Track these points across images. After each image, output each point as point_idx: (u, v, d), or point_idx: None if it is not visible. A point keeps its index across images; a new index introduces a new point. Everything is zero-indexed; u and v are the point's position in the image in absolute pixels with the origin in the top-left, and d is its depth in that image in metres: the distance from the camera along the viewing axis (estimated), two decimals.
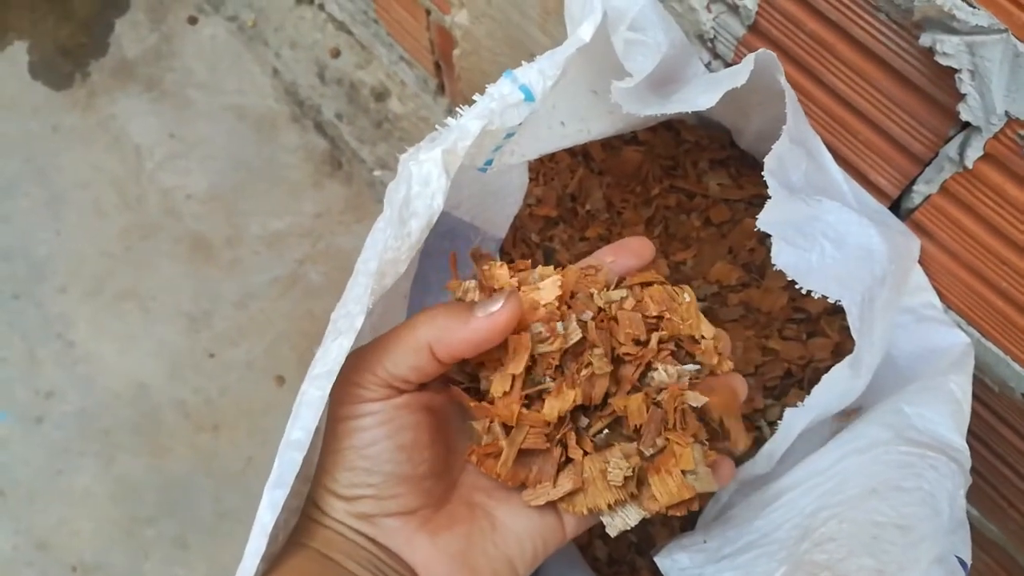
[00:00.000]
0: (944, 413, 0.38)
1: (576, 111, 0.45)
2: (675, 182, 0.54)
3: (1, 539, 0.97)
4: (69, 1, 1.28)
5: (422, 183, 0.34)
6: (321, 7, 1.17)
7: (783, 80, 0.41)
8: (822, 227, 0.39)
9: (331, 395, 0.32)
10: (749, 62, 0.39)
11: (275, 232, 1.10)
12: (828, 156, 0.47)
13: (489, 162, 0.43)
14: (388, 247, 0.34)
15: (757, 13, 0.50)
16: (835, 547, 0.34)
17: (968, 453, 0.39)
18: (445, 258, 0.53)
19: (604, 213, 0.55)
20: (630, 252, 0.39)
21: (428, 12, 0.89)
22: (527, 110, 0.37)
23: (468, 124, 0.35)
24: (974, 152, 0.42)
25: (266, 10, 1.22)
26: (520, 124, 0.39)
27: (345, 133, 1.11)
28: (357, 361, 0.33)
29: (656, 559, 0.35)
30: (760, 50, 0.42)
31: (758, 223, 0.36)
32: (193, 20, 1.25)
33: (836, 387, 0.36)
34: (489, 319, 0.32)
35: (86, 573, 0.96)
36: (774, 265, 0.36)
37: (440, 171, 0.34)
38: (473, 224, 0.53)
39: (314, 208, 1.11)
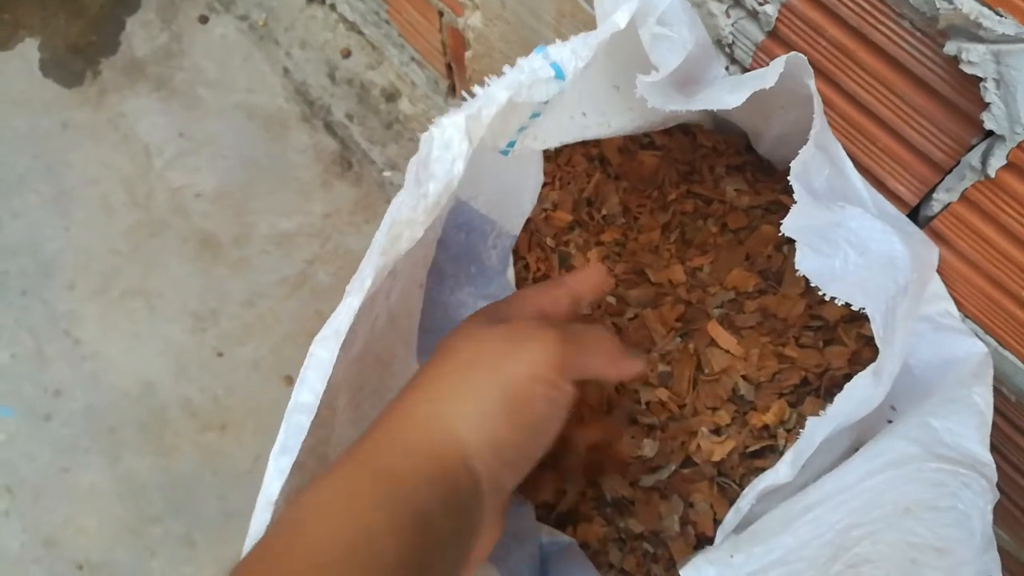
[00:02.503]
0: (971, 426, 0.38)
1: (598, 104, 0.45)
2: (692, 187, 0.54)
3: (8, 536, 0.97)
4: None
5: (442, 147, 0.33)
6: (332, 7, 1.17)
7: (812, 85, 0.41)
8: (845, 233, 0.38)
9: (526, 359, 0.35)
10: (779, 64, 0.39)
11: (284, 232, 1.10)
12: (849, 163, 0.47)
13: (511, 144, 0.43)
14: (403, 206, 0.34)
15: (777, 19, 0.49)
16: (871, 569, 0.34)
17: (994, 467, 0.39)
18: (461, 249, 0.53)
19: (620, 218, 0.54)
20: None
21: (441, 14, 0.89)
22: (556, 88, 0.37)
23: (495, 92, 0.34)
24: (997, 161, 0.42)
25: (277, 9, 1.22)
26: (546, 103, 0.39)
27: (355, 134, 1.11)
28: (558, 337, 0.36)
29: (682, 572, 0.35)
30: (792, 53, 0.41)
31: (783, 228, 0.36)
32: (204, 19, 1.25)
33: (858, 396, 0.36)
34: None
35: (92, 571, 0.96)
36: (797, 271, 0.36)
37: (462, 136, 0.34)
38: (489, 217, 0.53)
39: (323, 208, 1.11)
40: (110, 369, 1.05)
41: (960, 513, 0.35)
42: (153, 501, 0.98)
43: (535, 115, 0.40)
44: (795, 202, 0.38)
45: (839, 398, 0.36)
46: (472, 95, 0.35)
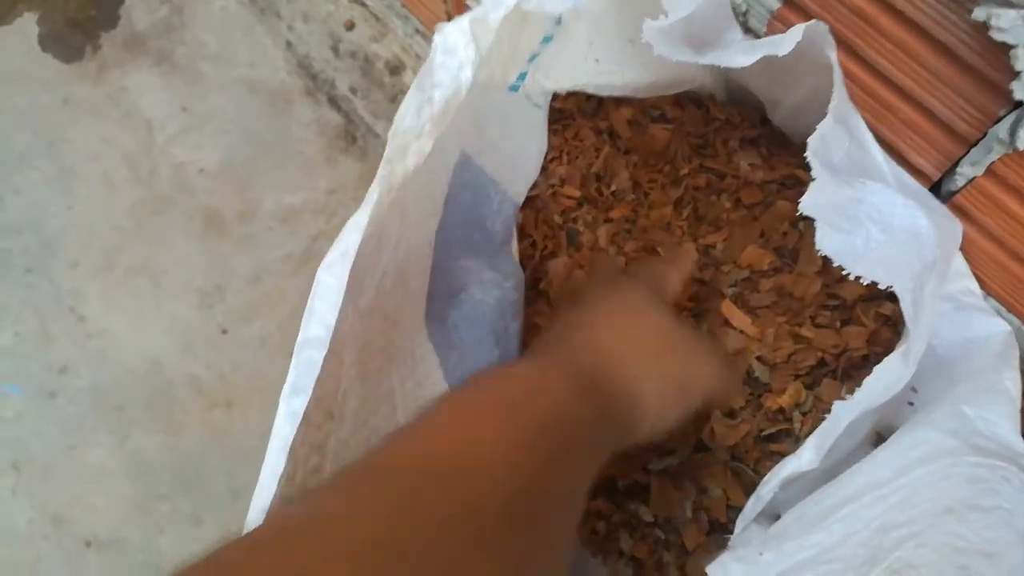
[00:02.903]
0: (1004, 414, 0.37)
1: (611, 54, 0.44)
2: (705, 162, 0.52)
3: (16, 513, 0.97)
4: None
5: (447, 52, 0.32)
6: None
7: (833, 56, 0.39)
8: (867, 209, 0.37)
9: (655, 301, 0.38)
10: (797, 33, 0.37)
11: (289, 207, 1.09)
12: (869, 136, 0.45)
13: (522, 76, 0.42)
14: (407, 114, 0.32)
15: None
16: None
17: None
18: (467, 211, 0.51)
19: (630, 194, 0.53)
20: None
21: None
22: (570, 2, 0.35)
23: None
24: None
25: None
26: (559, 23, 0.37)
27: (359, 107, 1.09)
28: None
29: (708, 569, 0.34)
30: (812, 21, 0.39)
31: (801, 207, 0.34)
32: None
33: (887, 379, 0.34)
34: None
35: (100, 548, 0.96)
36: (818, 250, 0.34)
37: (468, 40, 0.32)
38: (494, 178, 0.51)
39: (328, 184, 1.09)
40: (116, 347, 1.04)
41: (1006, 512, 0.34)
42: (161, 478, 0.98)
43: (547, 39, 0.39)
44: (812, 178, 0.36)
45: (867, 382, 0.35)
46: (479, 2, 0.33)
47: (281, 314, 1.04)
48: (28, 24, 1.21)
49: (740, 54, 0.38)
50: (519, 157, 0.53)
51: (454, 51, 0.32)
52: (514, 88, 0.43)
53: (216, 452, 0.98)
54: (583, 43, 0.44)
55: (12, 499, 0.98)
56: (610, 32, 0.44)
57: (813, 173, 0.35)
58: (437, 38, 0.32)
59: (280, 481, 0.29)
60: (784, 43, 0.37)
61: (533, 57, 0.42)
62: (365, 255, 0.33)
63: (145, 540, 0.96)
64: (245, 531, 0.25)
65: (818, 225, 0.35)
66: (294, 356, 0.29)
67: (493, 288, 0.48)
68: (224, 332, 1.04)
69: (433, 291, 0.47)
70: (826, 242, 0.35)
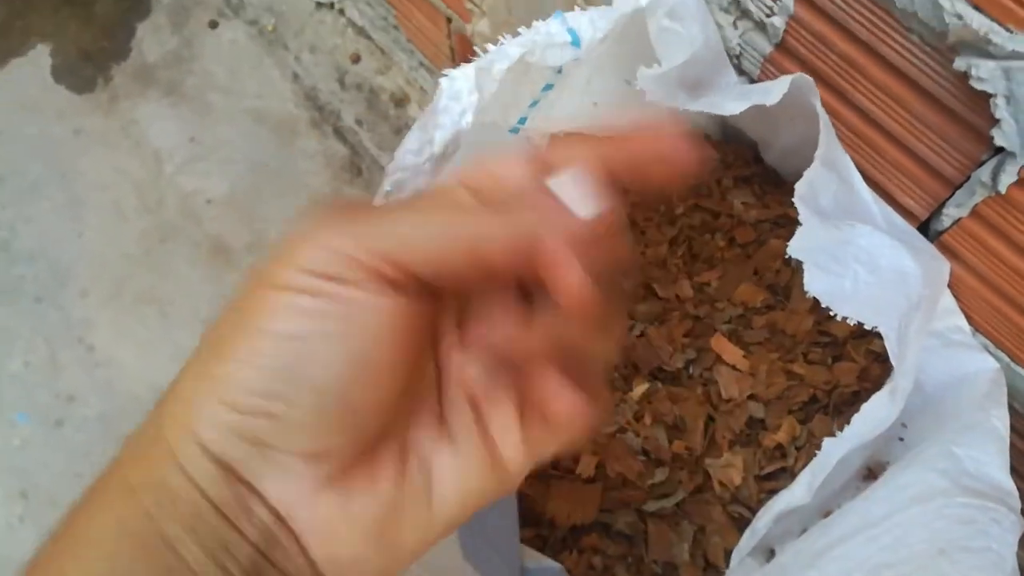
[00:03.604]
0: (993, 453, 0.38)
1: (609, 96, 0.45)
2: (699, 201, 0.53)
3: (23, 541, 0.98)
4: (92, 5, 1.28)
5: (452, 97, 0.33)
6: (341, 12, 1.17)
7: (818, 104, 0.40)
8: (854, 251, 0.38)
9: (275, 251, 0.22)
10: (784, 84, 0.39)
11: None
12: (858, 177, 0.46)
13: (522, 120, 0.43)
14: (407, 152, 0.33)
15: (785, 31, 0.49)
16: None
17: (1018, 496, 0.38)
18: None
19: (627, 232, 0.54)
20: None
21: (449, 20, 0.89)
22: (571, 55, 0.36)
23: (508, 48, 0.34)
24: (1008, 177, 0.42)
25: (286, 15, 1.22)
26: (560, 72, 0.38)
27: (365, 139, 1.11)
28: (348, 221, 0.22)
29: None
30: (797, 74, 0.41)
31: (789, 250, 0.36)
32: (214, 24, 1.25)
33: (875, 416, 0.35)
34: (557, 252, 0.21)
35: None
36: (807, 293, 0.36)
37: (471, 87, 0.33)
38: None
39: None
40: (123, 375, 1.05)
41: (995, 555, 0.34)
42: None
43: (548, 87, 0.40)
44: (800, 222, 0.38)
45: (856, 419, 0.36)
46: (485, 51, 0.35)
47: None
48: (41, 56, 1.24)
49: (731, 102, 0.39)
50: None
51: (458, 97, 0.33)
52: (514, 131, 0.45)
53: None
54: (582, 85, 0.45)
55: (19, 527, 0.99)
56: (608, 73, 0.45)
57: (801, 217, 0.36)
58: (443, 83, 0.33)
59: None
60: (772, 93, 0.39)
61: (534, 103, 0.43)
62: None
63: None
64: None
65: (806, 267, 0.36)
66: None
67: None
68: None
69: None
70: (815, 284, 0.36)
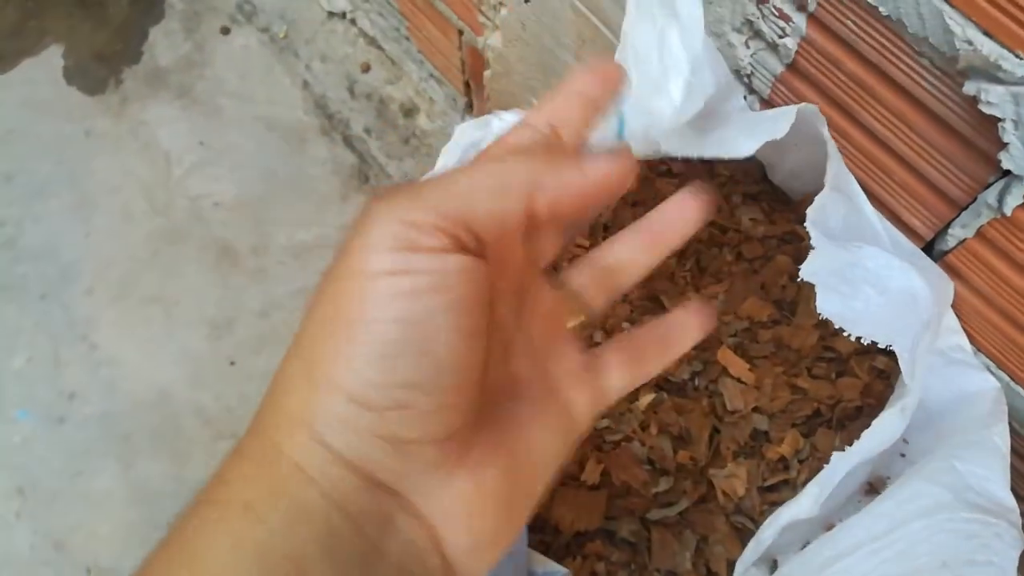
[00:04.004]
0: (994, 468, 0.38)
1: (634, 133, 0.46)
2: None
3: (19, 538, 0.98)
4: (105, 8, 1.30)
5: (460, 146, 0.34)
6: (353, 22, 1.19)
7: (826, 132, 0.41)
8: (863, 273, 0.39)
9: (351, 236, 0.22)
10: (791, 115, 0.40)
11: (301, 243, 1.11)
12: (864, 199, 0.47)
13: None
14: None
15: (796, 52, 0.50)
16: None
17: (1018, 511, 0.39)
18: None
19: None
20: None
21: (461, 32, 0.90)
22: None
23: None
24: (1014, 200, 0.42)
25: (298, 23, 1.23)
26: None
27: (373, 148, 1.12)
28: (411, 194, 0.22)
29: None
30: (803, 104, 0.42)
31: (801, 274, 0.36)
32: (226, 30, 1.26)
33: (886, 433, 0.36)
34: (607, 168, 0.23)
35: (101, 575, 0.97)
36: (820, 313, 0.36)
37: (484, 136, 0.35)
38: None
39: (340, 221, 1.11)
40: (126, 375, 1.06)
41: (997, 569, 0.35)
42: (164, 508, 0.99)
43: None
44: (812, 246, 0.38)
45: (866, 434, 0.37)
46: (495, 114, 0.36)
47: None
48: (54, 56, 1.25)
49: (743, 141, 0.40)
50: None
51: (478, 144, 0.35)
52: None
53: None
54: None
55: (16, 523, 0.99)
56: (631, 119, 0.46)
57: (813, 241, 0.37)
58: (495, 120, 0.35)
59: None
60: (780, 125, 0.40)
61: None
62: None
63: None
64: None
65: (819, 290, 0.37)
66: None
67: None
68: (232, 364, 1.05)
69: None
70: (827, 306, 0.36)
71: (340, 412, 0.21)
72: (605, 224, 0.56)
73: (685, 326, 0.29)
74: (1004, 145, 0.41)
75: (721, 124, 0.43)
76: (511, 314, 0.27)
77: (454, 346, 0.22)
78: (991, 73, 0.39)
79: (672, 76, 0.37)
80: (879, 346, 0.38)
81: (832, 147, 0.41)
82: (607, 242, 0.29)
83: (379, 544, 0.21)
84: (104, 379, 1.05)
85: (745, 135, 0.40)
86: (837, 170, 0.40)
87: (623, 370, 0.28)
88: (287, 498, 0.21)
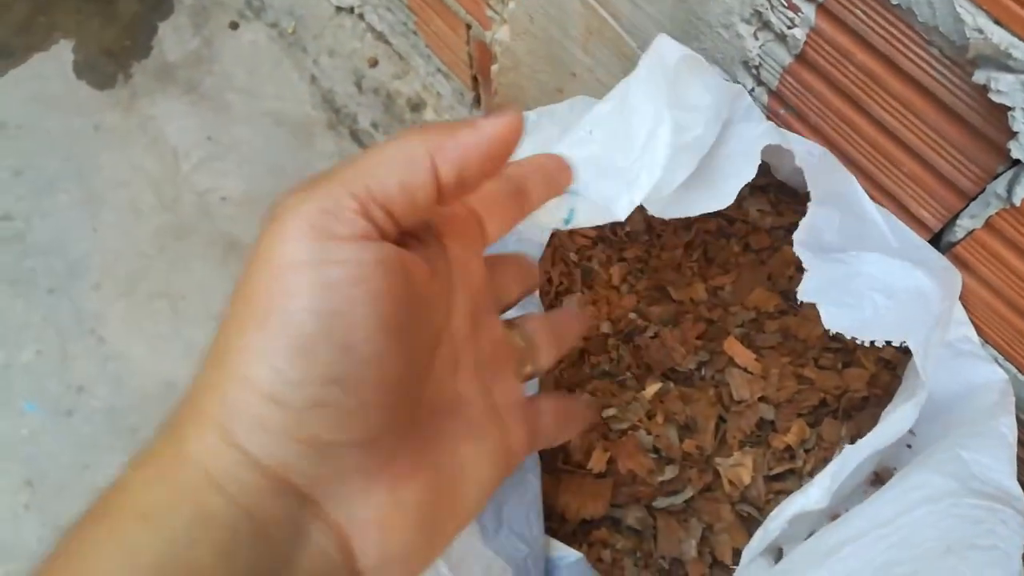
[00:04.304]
0: (1001, 459, 0.38)
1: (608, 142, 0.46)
2: None
3: (27, 531, 0.99)
4: (115, 3, 1.30)
5: None
6: (361, 17, 1.19)
7: (798, 158, 0.41)
8: (867, 281, 0.39)
9: (265, 230, 0.21)
10: (756, 156, 0.40)
11: None
12: (866, 199, 0.47)
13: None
14: None
15: (805, 43, 0.50)
16: None
17: None
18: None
19: (643, 235, 0.55)
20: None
21: (468, 27, 0.90)
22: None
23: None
24: (1023, 189, 0.42)
25: (306, 18, 1.24)
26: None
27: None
28: (323, 181, 0.22)
29: None
30: (764, 146, 0.42)
31: (800, 295, 0.36)
32: (234, 25, 1.27)
33: (898, 425, 0.36)
34: (498, 123, 0.23)
35: None
36: (828, 329, 0.36)
37: None
38: None
39: None
40: (133, 369, 1.06)
41: (1002, 553, 0.35)
42: None
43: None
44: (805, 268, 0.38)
45: (879, 427, 0.37)
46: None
47: None
48: (64, 51, 1.26)
49: (718, 194, 0.40)
50: None
51: None
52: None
53: None
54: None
55: (24, 515, 0.99)
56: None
57: (804, 264, 0.37)
58: None
59: None
60: (747, 170, 0.39)
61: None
62: None
63: None
64: None
65: (821, 307, 0.36)
66: None
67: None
68: None
69: None
70: (834, 322, 0.36)
71: (254, 411, 0.20)
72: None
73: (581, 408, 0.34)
74: (1014, 134, 0.41)
75: (699, 181, 0.42)
76: (465, 329, 0.27)
77: (375, 339, 0.21)
78: (1001, 62, 0.39)
79: (645, 170, 0.37)
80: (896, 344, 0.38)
81: (811, 167, 0.41)
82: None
83: (289, 555, 0.20)
84: (112, 373, 1.06)
85: (718, 185, 0.40)
86: (823, 184, 0.41)
87: (555, 422, 0.31)
88: (189, 505, 0.19)
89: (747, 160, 0.40)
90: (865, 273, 0.40)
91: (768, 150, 0.42)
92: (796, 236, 0.38)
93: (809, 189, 0.41)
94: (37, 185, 1.17)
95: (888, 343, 0.37)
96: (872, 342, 0.37)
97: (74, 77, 1.24)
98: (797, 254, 0.38)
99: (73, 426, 1.04)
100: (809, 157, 0.43)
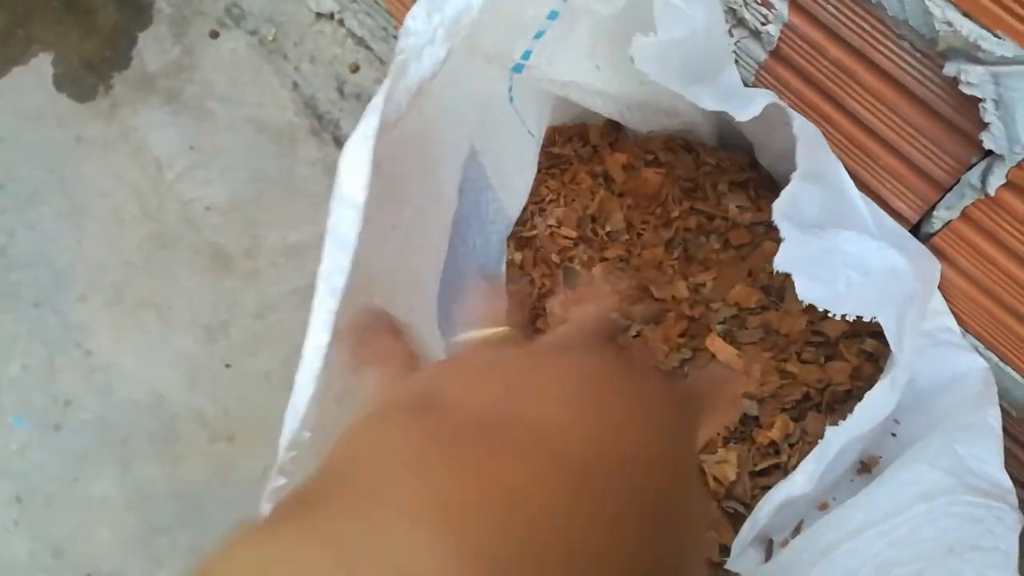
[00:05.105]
0: (993, 451, 0.39)
1: (612, 64, 0.47)
2: (695, 204, 0.55)
3: (17, 545, 0.98)
4: (94, 15, 1.29)
5: None
6: (341, 23, 1.19)
7: (795, 127, 0.42)
8: (842, 257, 0.39)
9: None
10: (757, 107, 0.40)
11: (294, 243, 1.11)
12: (850, 184, 0.47)
13: (527, 55, 0.44)
14: (418, 16, 0.34)
15: (779, 39, 0.50)
16: None
17: (1015, 492, 0.39)
18: (471, 208, 0.53)
19: (624, 235, 0.55)
20: None
21: None
22: None
23: None
24: (996, 180, 0.43)
25: (286, 25, 1.23)
26: (565, 1, 0.39)
27: None
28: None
29: None
30: (770, 102, 0.43)
31: (775, 265, 0.37)
32: (215, 34, 1.26)
33: (877, 406, 0.37)
34: None
35: None
36: (801, 299, 0.37)
37: None
38: (492, 184, 0.54)
39: None
40: (121, 380, 1.06)
41: (1002, 554, 0.36)
42: (162, 512, 0.99)
43: (552, 15, 0.41)
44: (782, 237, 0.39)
45: (858, 408, 0.37)
46: None
47: (285, 349, 1.06)
48: (43, 64, 1.25)
49: (709, 99, 0.41)
50: (513, 173, 0.55)
51: None
52: (518, 68, 0.46)
53: (218, 486, 0.99)
54: (587, 46, 0.47)
55: (14, 530, 0.98)
56: (614, 42, 0.46)
57: (783, 233, 0.38)
58: None
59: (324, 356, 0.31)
60: (746, 110, 0.40)
61: (539, 34, 0.44)
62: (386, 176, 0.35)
63: (145, 573, 0.97)
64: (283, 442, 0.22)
65: (796, 278, 0.37)
66: (330, 213, 0.32)
67: None
68: (228, 366, 1.05)
69: (444, 281, 0.49)
70: (807, 292, 0.37)
71: None
72: (593, 216, 0.56)
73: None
74: (985, 125, 0.41)
75: (701, 78, 0.43)
76: None
77: None
78: (971, 54, 0.39)
79: None
80: (867, 324, 0.39)
81: (802, 140, 0.42)
82: None
83: None
84: (99, 384, 1.05)
85: (712, 98, 0.40)
86: (808, 159, 0.41)
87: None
88: None
89: (746, 102, 0.40)
90: (842, 250, 0.40)
91: (762, 122, 0.42)
92: (776, 206, 0.39)
93: (797, 161, 0.41)
94: (19, 198, 1.16)
95: (863, 327, 0.37)
96: (847, 321, 0.37)
97: (54, 90, 1.23)
98: (775, 223, 0.38)
99: (62, 439, 1.03)
100: (805, 131, 0.43)
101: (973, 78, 0.40)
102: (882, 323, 0.37)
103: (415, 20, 0.35)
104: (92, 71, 1.24)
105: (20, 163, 1.18)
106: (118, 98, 1.22)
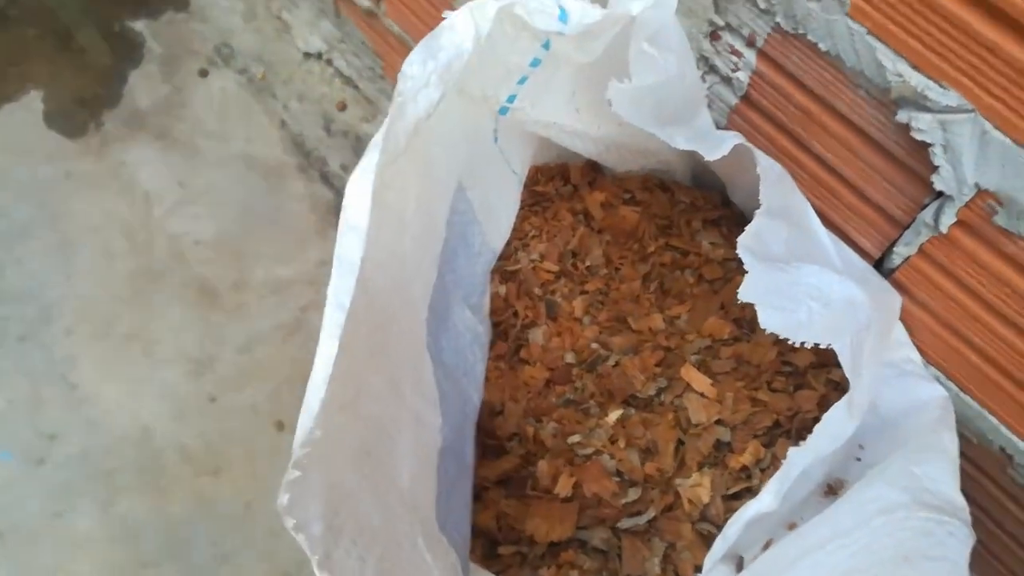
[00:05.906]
0: (947, 471, 0.41)
1: (592, 107, 0.49)
2: (670, 240, 0.57)
3: None
4: (86, 53, 1.32)
5: (450, 28, 0.38)
6: (329, 62, 1.22)
7: (760, 166, 0.45)
8: (805, 289, 0.42)
9: None
10: (726, 147, 0.43)
11: (280, 279, 1.13)
12: (814, 219, 0.50)
13: (511, 99, 0.47)
14: (414, 63, 0.37)
15: (749, 85, 0.53)
16: None
17: (968, 510, 0.42)
18: (458, 241, 0.55)
19: (603, 269, 0.58)
20: None
21: None
22: (556, 27, 0.40)
23: None
24: (948, 219, 0.46)
25: (275, 64, 1.26)
26: (546, 50, 0.42)
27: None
28: None
29: None
30: (737, 143, 0.45)
31: (739, 295, 0.39)
32: (204, 73, 1.29)
33: (834, 427, 0.39)
34: None
35: None
36: (764, 328, 0.39)
37: (467, 19, 0.38)
38: (478, 218, 0.56)
39: (319, 256, 1.14)
40: (107, 413, 1.06)
41: (951, 564, 0.38)
42: (146, 546, 0.99)
43: (535, 62, 0.44)
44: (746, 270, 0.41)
45: (817, 429, 0.39)
46: None
47: (271, 383, 1.07)
48: (35, 101, 1.27)
49: (682, 140, 0.44)
50: (498, 208, 0.58)
51: (454, 27, 0.38)
52: (504, 111, 0.48)
53: (202, 519, 1.00)
54: (568, 91, 0.50)
55: None
56: (593, 87, 0.49)
57: (746, 266, 0.40)
58: (444, 22, 0.38)
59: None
60: (716, 150, 0.43)
61: (522, 80, 0.47)
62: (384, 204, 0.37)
63: None
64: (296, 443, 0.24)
65: (759, 308, 0.40)
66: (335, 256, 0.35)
67: (469, 329, 0.53)
68: (213, 400, 1.06)
69: (432, 307, 0.51)
70: (769, 322, 0.40)
71: None
72: (574, 251, 0.59)
73: None
74: (935, 168, 0.44)
75: (675, 120, 0.46)
76: None
77: None
78: (919, 103, 0.43)
79: (638, 35, 0.41)
80: (834, 355, 0.41)
81: (765, 178, 0.45)
82: None
83: None
84: (85, 418, 1.06)
85: (683, 137, 0.43)
86: (774, 196, 0.44)
87: None
88: None
89: (715, 144, 0.43)
90: (805, 282, 0.43)
91: (733, 161, 0.45)
92: (741, 240, 0.41)
93: (761, 198, 0.44)
94: (9, 234, 1.17)
95: (830, 358, 0.40)
96: (815, 351, 0.39)
97: (45, 126, 1.25)
98: (740, 256, 0.41)
99: (45, 474, 1.03)
100: (770, 170, 0.46)
101: (923, 125, 0.43)
102: (836, 350, 0.39)
103: (411, 66, 0.38)
104: (83, 108, 1.27)
105: (9, 199, 1.19)
106: (108, 135, 1.24)
